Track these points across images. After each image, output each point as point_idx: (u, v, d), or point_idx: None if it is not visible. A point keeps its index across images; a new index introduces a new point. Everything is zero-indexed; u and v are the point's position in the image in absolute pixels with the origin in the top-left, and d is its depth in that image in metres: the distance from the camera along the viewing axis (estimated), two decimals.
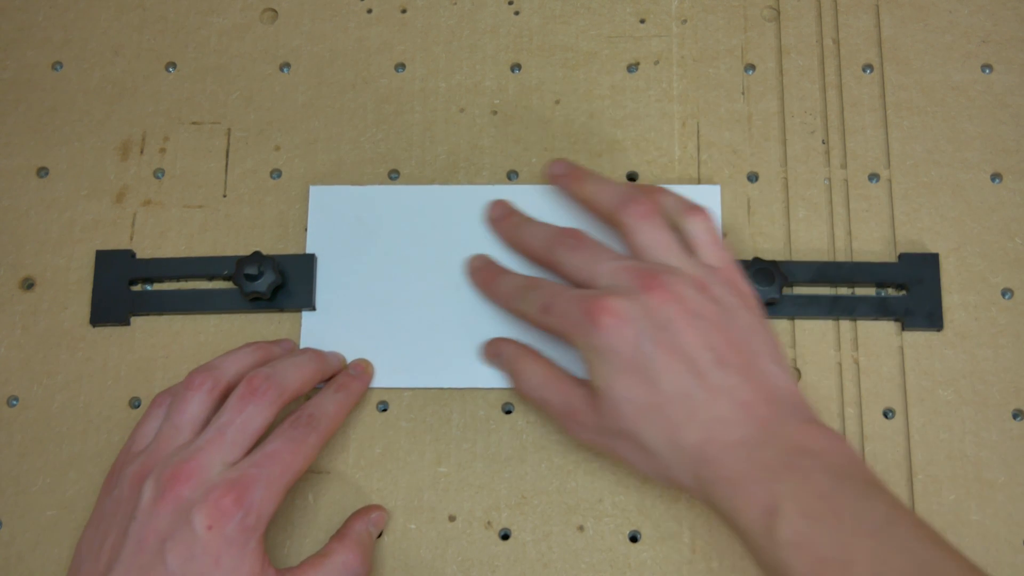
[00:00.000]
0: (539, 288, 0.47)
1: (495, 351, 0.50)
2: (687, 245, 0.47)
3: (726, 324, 0.44)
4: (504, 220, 0.52)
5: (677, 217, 0.47)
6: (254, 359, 0.48)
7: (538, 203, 0.52)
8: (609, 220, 0.48)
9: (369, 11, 0.57)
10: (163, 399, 0.48)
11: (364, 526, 0.48)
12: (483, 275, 0.51)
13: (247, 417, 0.45)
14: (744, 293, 0.46)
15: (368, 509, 0.49)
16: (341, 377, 0.50)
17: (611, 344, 0.43)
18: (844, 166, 0.53)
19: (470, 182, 0.54)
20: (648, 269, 0.44)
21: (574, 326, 0.44)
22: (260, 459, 0.44)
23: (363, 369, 0.51)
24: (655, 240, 0.46)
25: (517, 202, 0.52)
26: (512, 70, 0.56)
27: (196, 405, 0.46)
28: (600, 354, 0.43)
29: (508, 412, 0.51)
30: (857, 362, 0.51)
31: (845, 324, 0.51)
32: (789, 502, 0.39)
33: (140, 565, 0.42)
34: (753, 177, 0.53)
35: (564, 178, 0.51)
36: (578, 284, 0.46)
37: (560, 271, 0.48)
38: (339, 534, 0.48)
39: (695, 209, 0.47)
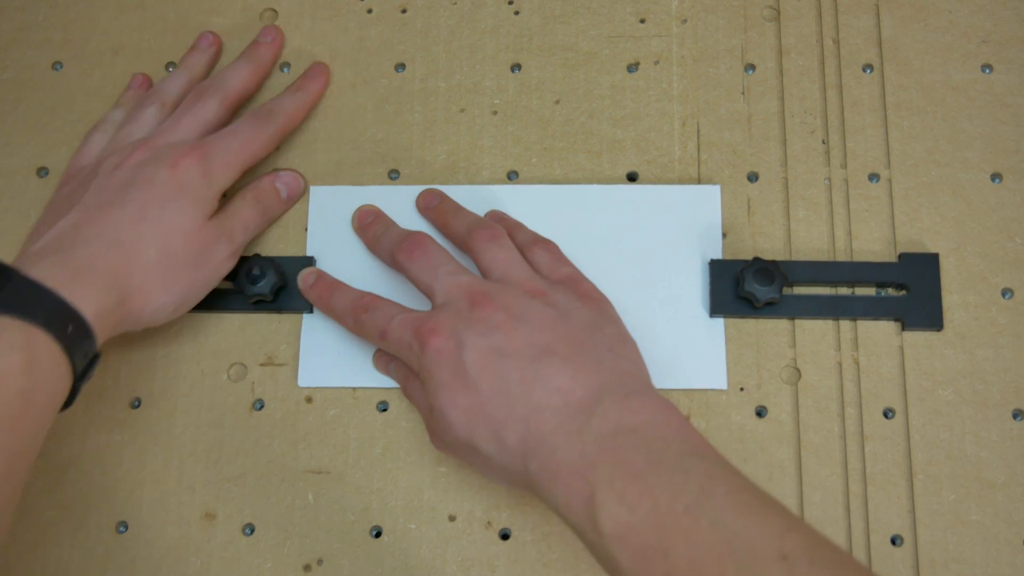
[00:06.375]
0: (374, 310, 0.48)
1: (388, 359, 0.51)
2: (533, 268, 0.49)
3: (559, 322, 0.44)
4: (368, 228, 0.52)
5: (525, 248, 0.49)
6: (189, 77, 0.54)
7: (538, 203, 0.53)
8: (463, 246, 0.50)
9: (369, 11, 0.57)
10: (103, 125, 0.53)
11: (271, 182, 0.52)
12: (318, 291, 0.51)
13: (200, 108, 0.51)
14: (589, 296, 0.47)
15: (281, 172, 0.53)
16: (300, 79, 0.55)
17: (437, 360, 0.44)
18: (844, 166, 0.53)
19: (470, 182, 0.54)
20: (478, 285, 0.46)
21: (407, 349, 0.45)
22: (220, 134, 0.50)
23: (320, 71, 0.55)
24: (498, 259, 0.48)
25: (517, 202, 0.53)
26: (512, 70, 0.56)
27: (149, 115, 0.52)
28: (429, 372, 0.44)
29: None
30: (857, 362, 0.51)
31: (845, 324, 0.51)
32: (605, 488, 0.38)
33: (98, 203, 0.47)
34: (753, 177, 0.53)
35: (432, 211, 0.52)
36: (421, 290, 0.48)
37: (405, 275, 0.49)
38: (245, 187, 0.52)
39: (542, 241, 0.50)
